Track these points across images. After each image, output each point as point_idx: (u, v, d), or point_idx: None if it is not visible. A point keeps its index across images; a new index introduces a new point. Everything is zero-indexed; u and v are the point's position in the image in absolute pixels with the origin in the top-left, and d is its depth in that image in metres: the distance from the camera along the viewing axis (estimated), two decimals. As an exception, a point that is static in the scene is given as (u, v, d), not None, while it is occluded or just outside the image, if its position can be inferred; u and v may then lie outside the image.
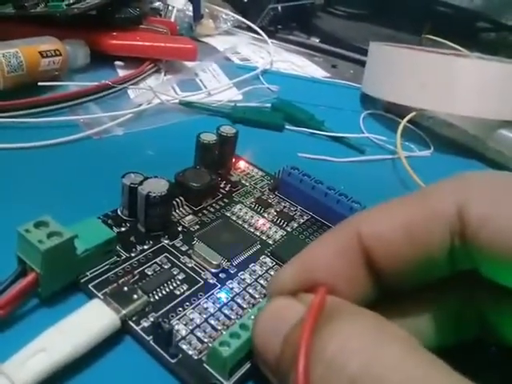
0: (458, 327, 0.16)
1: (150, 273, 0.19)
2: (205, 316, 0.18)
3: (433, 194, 0.15)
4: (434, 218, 0.14)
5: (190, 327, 0.17)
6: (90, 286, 0.18)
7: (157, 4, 0.48)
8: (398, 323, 0.15)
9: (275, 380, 0.15)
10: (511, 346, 0.15)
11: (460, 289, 0.16)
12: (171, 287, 0.19)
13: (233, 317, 0.18)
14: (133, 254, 0.20)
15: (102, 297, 0.17)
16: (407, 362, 0.12)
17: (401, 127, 0.35)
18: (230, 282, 0.20)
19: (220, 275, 0.20)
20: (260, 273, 0.21)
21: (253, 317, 0.17)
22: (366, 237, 0.15)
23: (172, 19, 0.46)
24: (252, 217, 0.24)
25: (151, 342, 0.17)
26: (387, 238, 0.15)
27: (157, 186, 0.20)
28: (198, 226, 0.22)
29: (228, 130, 0.26)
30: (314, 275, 0.15)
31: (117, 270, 0.19)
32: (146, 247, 0.20)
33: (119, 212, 0.22)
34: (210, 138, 0.25)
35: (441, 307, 0.16)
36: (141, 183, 0.20)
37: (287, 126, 0.36)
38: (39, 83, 0.31)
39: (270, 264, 0.21)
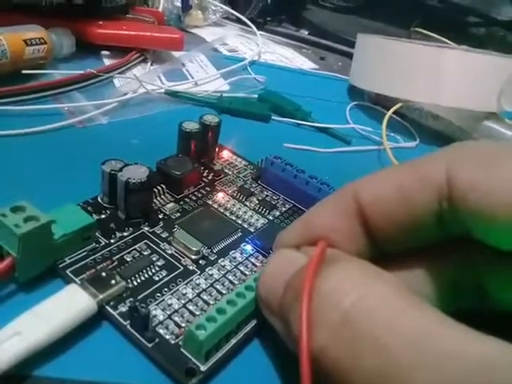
0: (456, 295, 0.16)
1: (129, 259, 0.19)
2: (183, 301, 0.18)
3: (426, 160, 0.16)
4: (422, 181, 0.15)
5: (168, 312, 0.17)
6: (67, 271, 0.18)
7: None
8: None
9: (277, 322, 0.16)
10: (509, 310, 0.16)
11: (458, 256, 0.16)
12: (150, 273, 0.19)
13: (211, 302, 0.18)
14: (112, 241, 0.20)
15: (79, 282, 0.17)
16: (395, 300, 0.13)
17: (386, 118, 0.35)
18: (209, 268, 0.20)
19: (200, 262, 0.20)
20: (240, 260, 0.21)
21: (229, 300, 0.17)
22: (362, 196, 0.16)
23: (160, 9, 0.46)
24: (234, 205, 0.24)
25: (128, 326, 0.17)
26: (381, 197, 0.16)
27: (136, 173, 0.20)
28: (179, 214, 0.22)
29: (211, 118, 0.26)
30: (315, 231, 0.16)
31: (95, 256, 0.19)
32: (125, 234, 0.20)
33: (99, 199, 0.22)
34: (192, 126, 0.25)
35: (438, 275, 0.16)
36: (120, 170, 0.20)
37: (274, 117, 0.36)
38: (23, 71, 0.31)
39: (251, 251, 0.21)
